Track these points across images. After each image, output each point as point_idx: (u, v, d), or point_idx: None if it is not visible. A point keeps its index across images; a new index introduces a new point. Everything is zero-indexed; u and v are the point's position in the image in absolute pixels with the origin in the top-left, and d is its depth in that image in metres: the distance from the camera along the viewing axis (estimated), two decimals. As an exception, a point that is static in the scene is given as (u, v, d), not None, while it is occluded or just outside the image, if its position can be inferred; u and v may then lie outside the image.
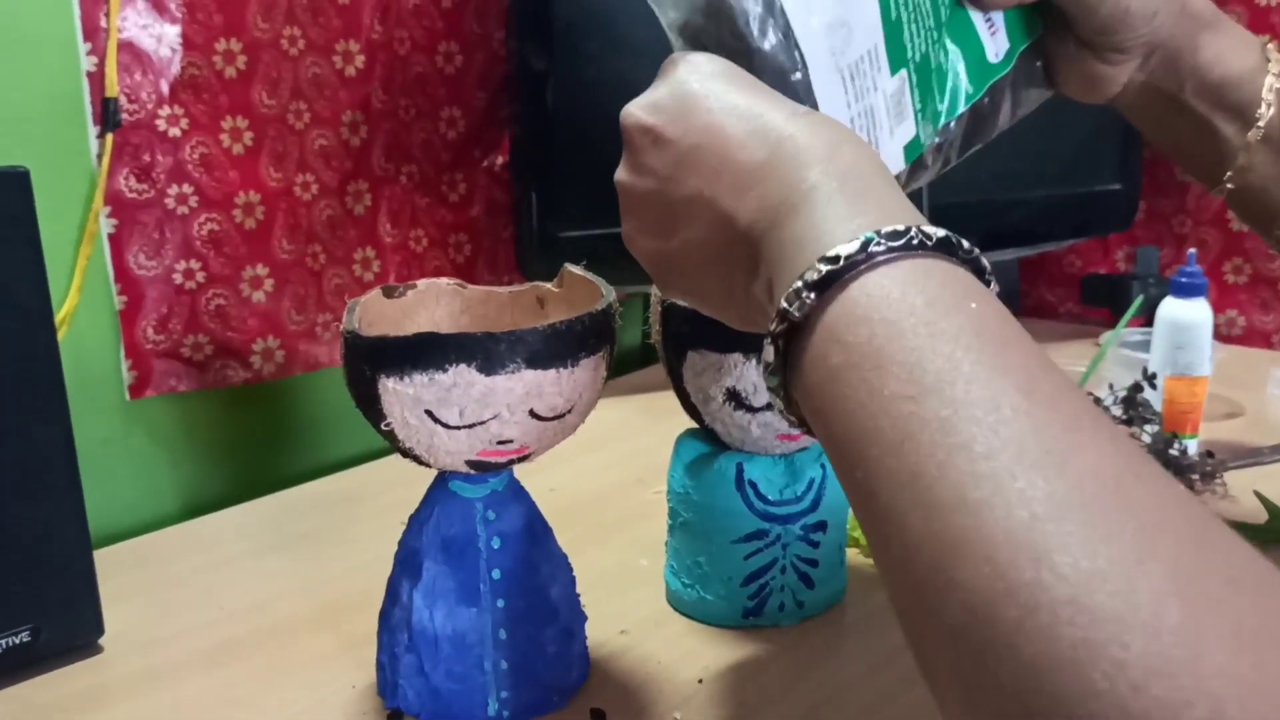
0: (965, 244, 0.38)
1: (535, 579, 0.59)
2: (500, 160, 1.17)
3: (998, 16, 0.62)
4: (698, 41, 0.51)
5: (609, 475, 0.96)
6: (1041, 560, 0.28)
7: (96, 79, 0.86)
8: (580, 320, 0.53)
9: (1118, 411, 0.92)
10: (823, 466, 0.69)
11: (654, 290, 0.68)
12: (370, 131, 1.05)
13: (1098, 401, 0.93)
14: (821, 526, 0.69)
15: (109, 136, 0.86)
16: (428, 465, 0.56)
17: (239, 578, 0.78)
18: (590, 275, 0.60)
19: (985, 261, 0.38)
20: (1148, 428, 0.91)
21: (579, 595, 0.63)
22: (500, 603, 0.58)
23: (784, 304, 0.37)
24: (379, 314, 0.60)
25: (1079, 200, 1.37)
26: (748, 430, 0.65)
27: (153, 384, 0.93)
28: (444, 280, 0.63)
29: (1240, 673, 0.26)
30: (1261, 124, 0.62)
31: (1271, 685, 0.25)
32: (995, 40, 0.62)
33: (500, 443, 0.53)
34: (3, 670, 0.64)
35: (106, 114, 0.86)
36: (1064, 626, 0.27)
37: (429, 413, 0.51)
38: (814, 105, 0.52)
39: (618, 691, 0.63)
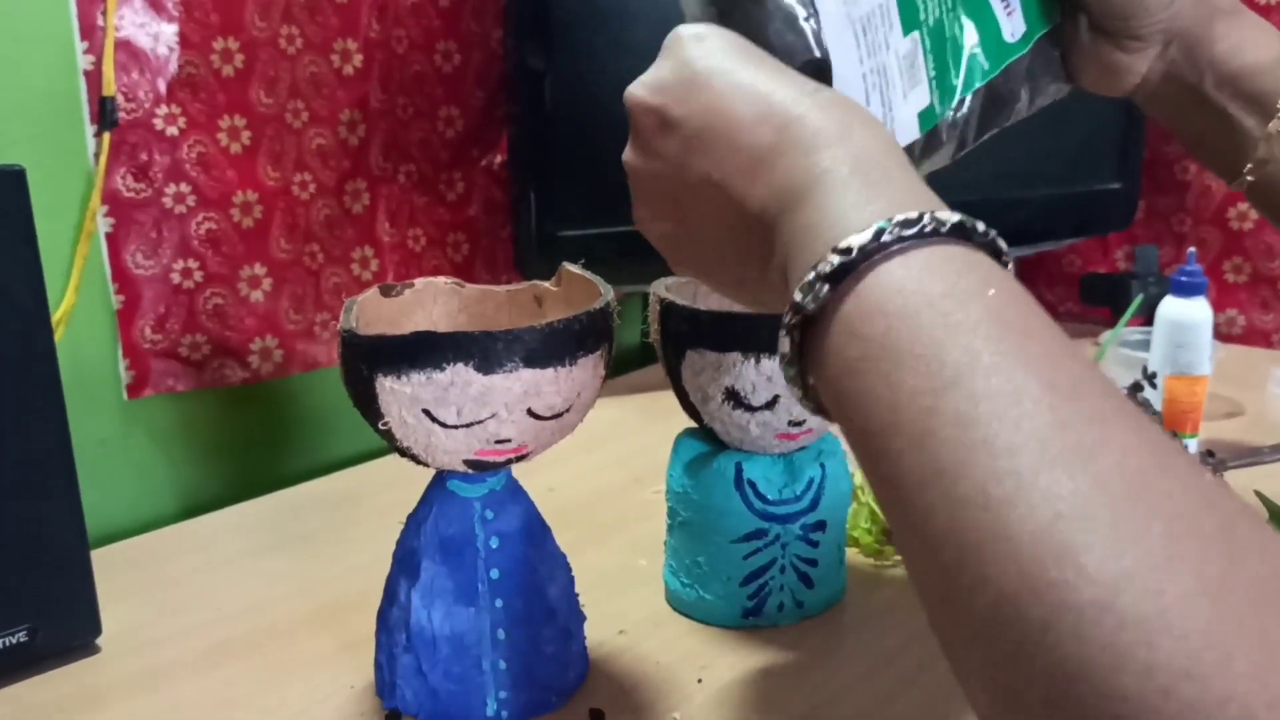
0: (980, 227, 0.37)
1: (534, 579, 0.59)
2: (498, 159, 1.17)
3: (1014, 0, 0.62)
4: None
5: (608, 475, 0.95)
6: (1067, 561, 0.27)
7: (94, 78, 0.85)
8: (578, 319, 0.53)
9: (1117, 411, 0.92)
10: (822, 466, 0.68)
11: (652, 289, 0.68)
12: (368, 130, 1.05)
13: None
14: (821, 526, 0.68)
15: (106, 135, 0.86)
16: (426, 465, 0.56)
17: (237, 578, 0.78)
18: (588, 274, 0.60)
19: (1002, 243, 0.37)
20: (1148, 427, 0.91)
21: (578, 595, 0.62)
22: (498, 603, 0.57)
23: (797, 295, 0.36)
24: (376, 313, 0.60)
25: (1078, 199, 1.37)
26: (746, 429, 0.65)
27: (150, 384, 0.92)
28: (441, 279, 0.63)
29: (1271, 675, 0.25)
30: None
31: None
32: (1011, 20, 0.61)
33: (498, 442, 0.53)
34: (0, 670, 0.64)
35: (104, 113, 0.86)
36: (1091, 628, 0.27)
37: (426, 412, 0.51)
38: (825, 53, 0.50)
39: (616, 691, 0.63)
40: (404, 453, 0.55)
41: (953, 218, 0.36)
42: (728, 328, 0.63)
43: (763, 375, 0.63)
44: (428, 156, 1.11)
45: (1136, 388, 0.92)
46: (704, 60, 0.44)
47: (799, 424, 0.65)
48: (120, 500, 0.93)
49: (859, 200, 0.37)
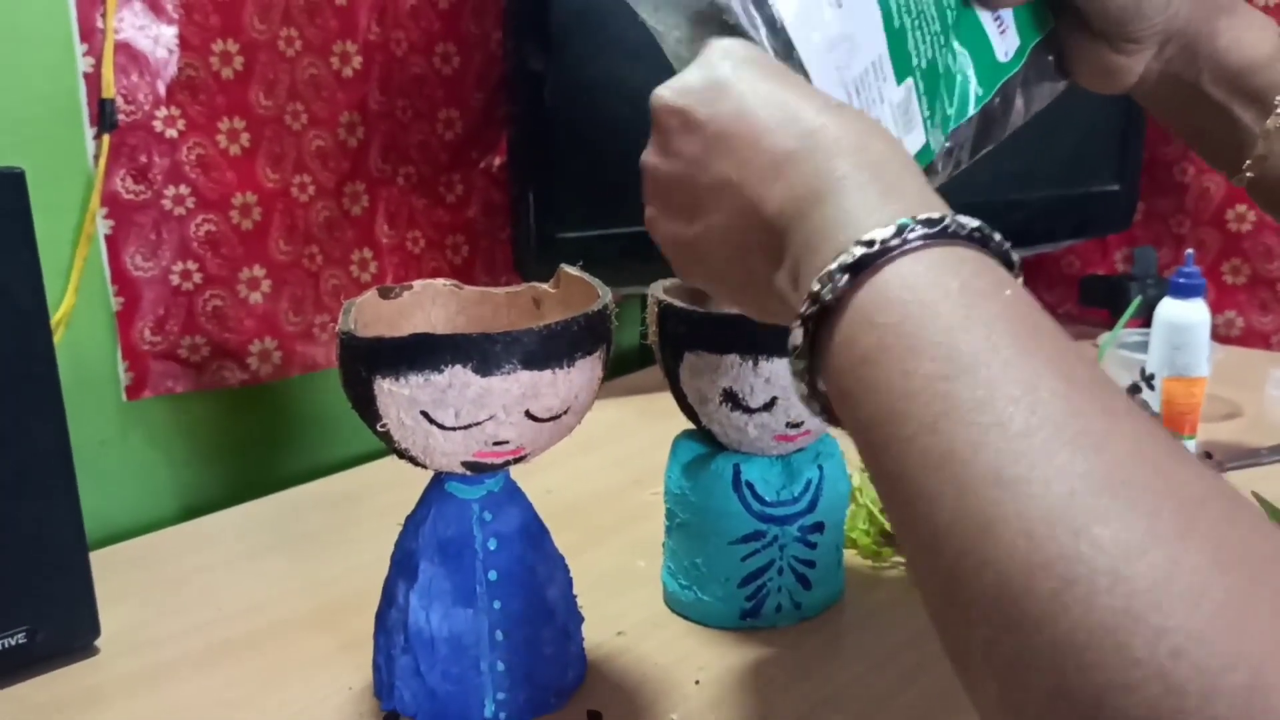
0: (997, 236, 0.38)
1: (532, 580, 0.59)
2: (498, 161, 1.17)
3: (1007, 15, 0.61)
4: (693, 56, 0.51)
5: (606, 476, 0.96)
6: (1080, 533, 0.28)
7: (93, 80, 0.86)
8: (576, 321, 0.53)
9: (1116, 412, 0.92)
10: (819, 468, 0.69)
11: (651, 291, 0.68)
12: (367, 132, 1.05)
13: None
14: (819, 527, 0.68)
15: (106, 137, 0.86)
16: (424, 466, 0.56)
17: (236, 579, 0.78)
18: (586, 276, 0.60)
19: (1015, 255, 0.38)
20: (1146, 428, 0.91)
21: (576, 596, 0.63)
22: (497, 604, 0.57)
23: (815, 286, 0.37)
24: (375, 315, 0.60)
25: (1077, 201, 1.37)
26: (745, 431, 0.65)
27: (150, 385, 0.92)
28: (440, 281, 0.63)
29: None
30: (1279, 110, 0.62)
31: None
32: (1005, 39, 0.62)
33: (496, 444, 0.53)
34: (-2, 672, 0.64)
35: (103, 115, 0.86)
36: (1103, 595, 0.27)
37: (424, 414, 0.51)
38: None
39: (615, 693, 0.63)
40: (402, 454, 0.55)
41: (972, 223, 0.37)
42: (726, 329, 0.63)
43: (760, 377, 0.63)
44: (427, 158, 1.11)
45: (1135, 389, 0.92)
46: (731, 68, 0.45)
47: (797, 426, 0.65)
48: (119, 501, 0.93)
49: (878, 202, 0.38)
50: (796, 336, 0.38)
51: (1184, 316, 0.96)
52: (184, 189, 0.92)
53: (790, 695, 0.62)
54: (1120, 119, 1.34)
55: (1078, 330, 1.39)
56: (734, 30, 0.49)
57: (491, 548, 0.57)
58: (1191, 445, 0.93)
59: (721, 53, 0.46)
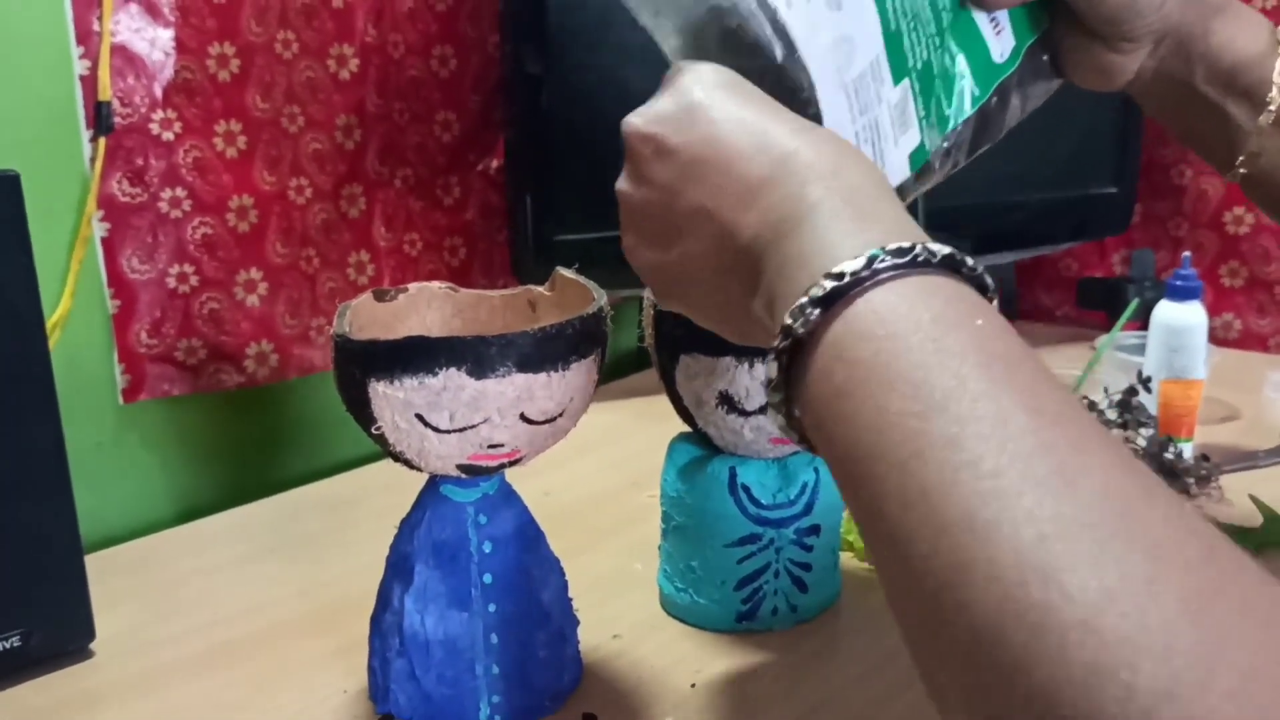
0: (969, 261, 0.37)
1: (527, 583, 0.59)
2: (495, 164, 1.17)
3: (1002, 16, 0.62)
4: (699, 55, 0.51)
5: (602, 479, 0.95)
6: (1050, 581, 0.28)
7: (89, 83, 0.86)
8: (571, 323, 0.53)
9: (1113, 415, 0.92)
10: (816, 470, 0.68)
11: (647, 294, 0.68)
12: (364, 135, 1.05)
13: (1093, 406, 0.93)
14: (815, 530, 0.68)
15: (102, 140, 0.86)
16: (419, 469, 0.56)
17: (231, 582, 0.78)
18: (582, 279, 0.60)
19: (989, 279, 0.38)
20: (1143, 431, 0.91)
21: (571, 599, 0.62)
22: (492, 607, 0.57)
23: (788, 319, 0.37)
24: (370, 318, 0.60)
25: (1075, 203, 1.37)
26: (740, 434, 0.65)
27: (146, 388, 0.92)
28: (435, 284, 0.63)
29: (1250, 696, 0.25)
30: (1272, 108, 0.62)
31: None
32: (1000, 40, 0.62)
33: (491, 446, 0.53)
34: (-7, 675, 0.64)
35: (99, 118, 0.86)
36: (1074, 649, 0.27)
37: (419, 416, 0.51)
38: (820, 123, 0.51)
39: (610, 696, 0.63)
40: (397, 457, 0.55)
41: (943, 250, 0.37)
42: (721, 332, 0.63)
43: (756, 380, 0.63)
44: (424, 161, 1.11)
45: (1132, 392, 0.92)
46: (703, 93, 0.44)
47: (793, 428, 0.65)
48: (115, 504, 0.93)
49: (850, 230, 0.38)
50: (771, 370, 0.38)
51: (1181, 319, 0.96)
52: (180, 192, 0.92)
53: (786, 698, 0.62)
54: (1118, 121, 1.34)
55: (1075, 332, 1.39)
56: (735, 34, 0.49)
57: (487, 551, 0.57)
58: (1188, 448, 0.93)
59: (693, 77, 0.45)
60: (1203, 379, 0.96)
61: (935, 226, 0.62)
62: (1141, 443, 0.90)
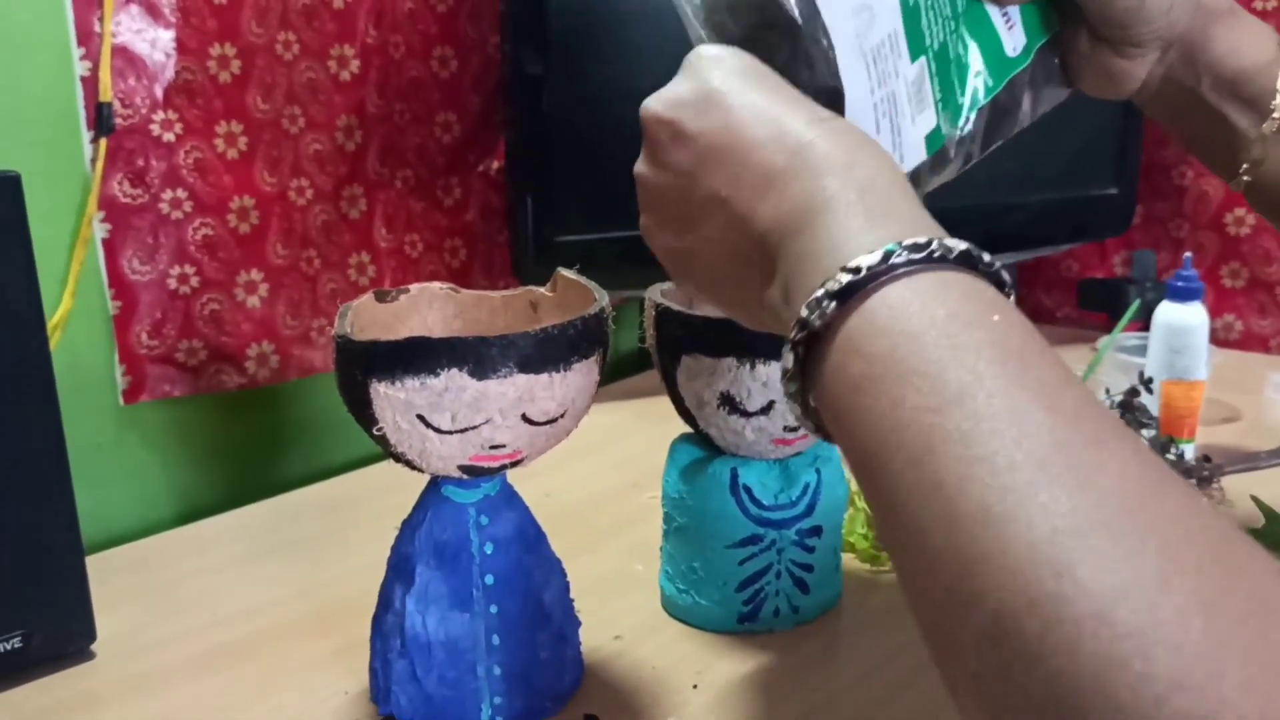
0: (986, 257, 0.37)
1: (529, 584, 0.59)
2: (495, 165, 1.17)
3: (1014, 12, 0.62)
4: (721, 22, 0.51)
5: (604, 480, 0.95)
6: (1064, 574, 0.28)
7: (90, 84, 0.86)
8: (572, 324, 0.53)
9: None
10: (817, 471, 0.68)
11: (648, 295, 0.68)
12: (365, 136, 1.05)
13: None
14: (816, 531, 0.68)
15: (103, 141, 0.86)
16: (420, 470, 0.56)
17: (232, 583, 0.78)
18: (583, 279, 0.60)
19: (1006, 275, 0.38)
20: (1145, 432, 0.91)
21: (573, 600, 0.62)
22: (493, 608, 0.57)
23: (804, 312, 0.37)
24: (371, 318, 0.60)
25: (1076, 204, 1.37)
26: (742, 435, 0.65)
27: (147, 389, 0.92)
28: (436, 285, 0.63)
29: (1262, 687, 0.26)
30: (1276, 115, 0.62)
31: None
32: (1013, 35, 0.62)
33: (493, 447, 0.53)
34: (-6, 677, 0.64)
35: (100, 119, 0.86)
36: (1087, 640, 0.27)
37: (421, 417, 0.51)
38: (839, 85, 0.51)
39: (612, 697, 0.63)
40: (398, 458, 0.55)
41: (959, 245, 0.37)
42: (723, 333, 0.63)
43: (758, 381, 0.63)
44: (425, 162, 1.11)
45: (1133, 393, 0.92)
46: (721, 80, 0.44)
47: (794, 429, 0.65)
48: (116, 505, 0.92)
49: (866, 225, 0.38)
50: (788, 360, 0.39)
51: (1182, 320, 0.96)
52: (181, 193, 0.92)
53: (788, 699, 0.62)
54: (1119, 123, 1.34)
55: (1076, 333, 1.39)
56: None
57: (488, 552, 0.57)
58: (1190, 449, 0.93)
59: (712, 62, 0.45)
60: (1204, 380, 0.96)
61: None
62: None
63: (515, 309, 0.64)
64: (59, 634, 0.66)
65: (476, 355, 0.50)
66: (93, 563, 0.68)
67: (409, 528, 0.58)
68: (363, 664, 0.61)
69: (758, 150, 0.42)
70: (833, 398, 0.37)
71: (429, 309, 0.63)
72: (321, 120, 1.01)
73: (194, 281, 0.94)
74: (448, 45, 1.10)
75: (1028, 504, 0.29)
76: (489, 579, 0.57)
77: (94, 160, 0.86)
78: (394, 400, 0.51)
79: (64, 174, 0.86)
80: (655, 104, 0.47)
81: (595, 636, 0.67)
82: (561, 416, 0.55)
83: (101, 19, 0.85)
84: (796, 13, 0.49)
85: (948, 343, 0.34)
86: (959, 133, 0.60)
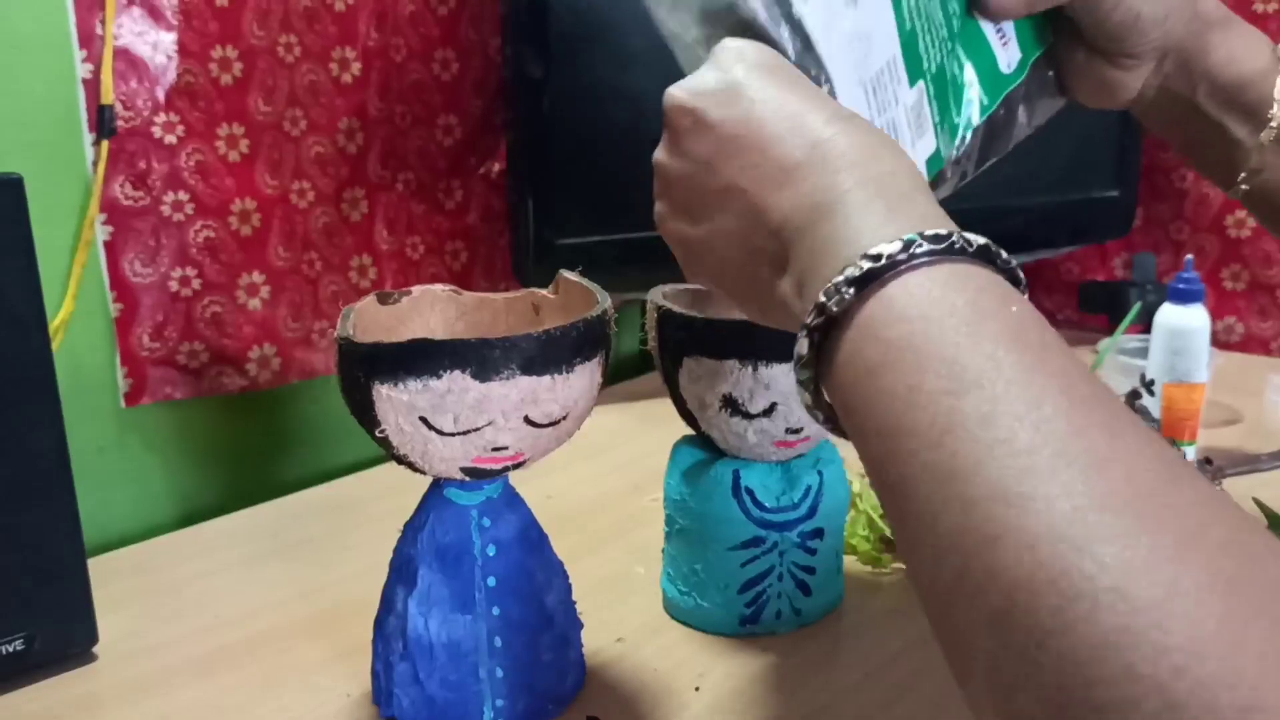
0: (1004, 254, 0.38)
1: (531, 586, 0.59)
2: (497, 167, 1.17)
3: (1008, 27, 0.62)
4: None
5: (606, 482, 0.95)
6: (1084, 550, 0.28)
7: (92, 86, 0.86)
8: (575, 326, 0.53)
9: (1115, 418, 0.92)
10: (819, 474, 0.68)
11: (650, 297, 0.68)
12: (366, 139, 1.05)
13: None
14: (818, 533, 0.68)
15: (104, 143, 0.86)
16: (423, 472, 0.56)
17: (234, 585, 0.78)
18: (585, 281, 0.60)
19: (1020, 273, 0.38)
20: (1146, 434, 0.91)
21: (575, 602, 0.62)
22: (495, 610, 0.57)
23: (822, 297, 0.37)
24: (373, 321, 0.60)
25: (1076, 207, 1.37)
26: (744, 437, 0.65)
27: (148, 391, 0.92)
28: (439, 287, 0.63)
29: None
30: (1274, 124, 0.62)
31: None
32: (1007, 51, 0.62)
33: (495, 449, 0.53)
34: (-4, 679, 0.64)
35: (102, 121, 0.86)
36: (1105, 613, 0.27)
37: (423, 419, 0.51)
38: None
39: (614, 699, 0.62)
40: (401, 460, 0.55)
41: (978, 240, 0.37)
42: (725, 335, 0.63)
43: (760, 383, 0.63)
44: (426, 165, 1.11)
45: (1134, 395, 0.92)
46: (744, 72, 0.45)
47: (796, 431, 0.65)
48: (118, 508, 0.92)
49: (884, 218, 0.39)
50: (802, 346, 0.39)
51: (1183, 322, 0.96)
52: (183, 195, 0.92)
53: (790, 701, 0.62)
54: (1119, 125, 1.34)
55: (1077, 336, 1.39)
56: (751, 27, 0.49)
57: (490, 554, 0.57)
58: (1191, 451, 0.93)
59: (735, 54, 0.46)
60: (1205, 382, 0.96)
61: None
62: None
63: (517, 311, 0.64)
64: (61, 636, 0.66)
65: (479, 357, 0.50)
66: (94, 565, 0.68)
67: (411, 530, 0.58)
68: (365, 666, 0.61)
69: (777, 143, 0.42)
70: (847, 383, 0.37)
71: (431, 311, 0.63)
72: (323, 123, 1.01)
73: (195, 284, 0.94)
74: (449, 48, 1.10)
75: (1048, 484, 0.30)
76: (491, 581, 0.57)
77: (95, 162, 0.86)
78: (396, 402, 0.51)
79: (65, 176, 0.86)
80: (678, 92, 0.47)
81: (597, 639, 0.67)
82: (564, 419, 0.55)
83: (103, 21, 0.85)
84: (790, 49, 0.49)
85: (967, 330, 0.34)
86: (956, 153, 0.60)
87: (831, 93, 0.51)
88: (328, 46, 1.00)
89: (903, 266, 0.36)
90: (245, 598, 0.76)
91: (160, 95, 0.89)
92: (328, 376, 1.04)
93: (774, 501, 0.67)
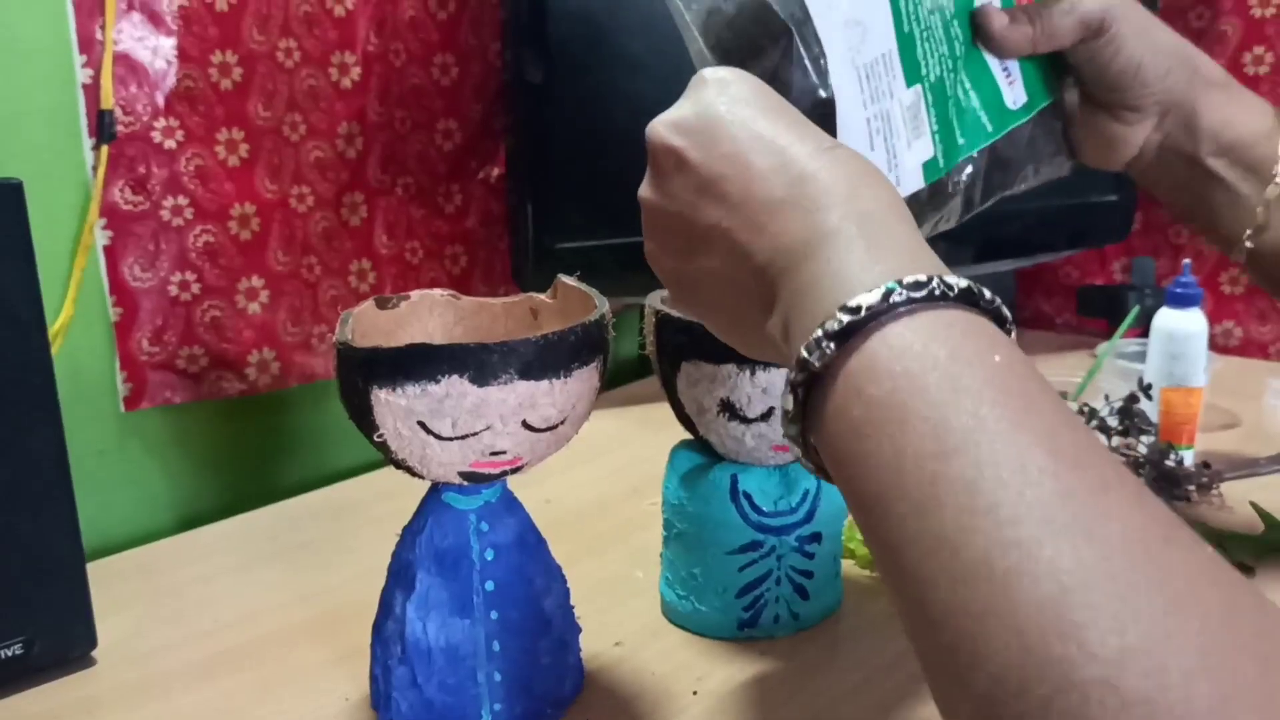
0: (987, 294, 0.37)
1: (529, 591, 0.59)
2: (496, 172, 1.17)
3: (1014, 67, 0.64)
4: (719, 30, 0.51)
5: (604, 486, 0.95)
6: (1071, 637, 0.28)
7: (92, 91, 0.86)
8: (573, 331, 0.53)
9: (1114, 422, 0.92)
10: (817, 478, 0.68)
11: (648, 302, 0.68)
12: (366, 143, 1.05)
13: (1094, 413, 0.93)
14: (816, 538, 0.68)
15: (104, 148, 0.86)
16: (421, 477, 0.56)
17: (233, 589, 0.78)
18: (583, 286, 0.60)
19: (1005, 311, 0.38)
20: (1144, 438, 0.91)
21: (573, 607, 0.62)
22: (494, 614, 0.57)
23: (804, 353, 0.37)
24: (372, 325, 0.60)
25: (1075, 211, 1.37)
26: (742, 441, 0.65)
27: (148, 396, 0.92)
28: (437, 291, 0.63)
29: None
30: (1279, 180, 0.63)
31: None
32: (1013, 90, 0.63)
33: (493, 454, 0.53)
34: (-5, 683, 0.64)
35: (102, 126, 0.86)
36: (1095, 707, 0.27)
37: (421, 424, 0.51)
38: (830, 93, 0.52)
39: (612, 703, 0.63)
40: (399, 465, 0.55)
41: (960, 283, 0.36)
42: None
43: (758, 387, 0.63)
44: (425, 169, 1.11)
45: (1132, 399, 0.92)
46: (726, 106, 0.44)
47: (794, 435, 0.65)
48: (117, 512, 0.93)
49: (866, 261, 0.38)
50: (788, 402, 0.38)
51: (1181, 326, 0.96)
52: (182, 200, 0.92)
53: (788, 706, 0.62)
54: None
55: (1076, 340, 1.39)
56: (751, 2, 0.50)
57: (489, 558, 0.57)
58: (1189, 455, 0.93)
59: (718, 88, 0.45)
60: (1203, 386, 0.96)
61: (937, 235, 0.62)
62: (1143, 450, 0.90)
63: (516, 316, 0.64)
64: (60, 640, 0.66)
65: (477, 362, 0.50)
66: (94, 569, 0.68)
67: (410, 534, 0.58)
68: (363, 670, 0.61)
69: (759, 181, 0.42)
70: (834, 441, 0.36)
71: (430, 316, 0.63)
72: (322, 127, 1.01)
73: (195, 288, 0.94)
74: (449, 53, 1.10)
75: (1033, 558, 0.29)
76: (489, 585, 0.57)
77: (95, 167, 0.87)
78: (395, 407, 0.51)
79: (65, 181, 0.86)
80: (660, 128, 0.46)
81: (595, 643, 0.68)
82: (562, 423, 0.55)
83: (103, 26, 0.85)
84: (789, 20, 0.50)
85: (949, 385, 0.33)
86: (960, 176, 0.60)
87: (824, 66, 0.51)
88: (327, 51, 1.00)
89: (883, 316, 0.35)
90: (244, 601, 0.76)
91: (160, 100, 0.90)
92: (327, 381, 1.04)
93: (772, 506, 0.67)
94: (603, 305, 0.57)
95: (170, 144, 0.91)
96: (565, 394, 0.53)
